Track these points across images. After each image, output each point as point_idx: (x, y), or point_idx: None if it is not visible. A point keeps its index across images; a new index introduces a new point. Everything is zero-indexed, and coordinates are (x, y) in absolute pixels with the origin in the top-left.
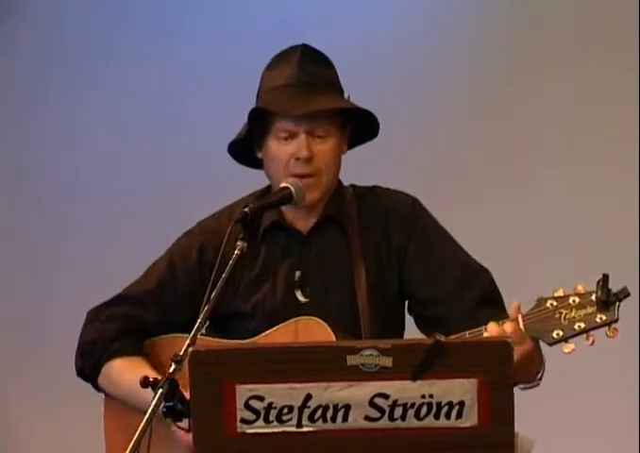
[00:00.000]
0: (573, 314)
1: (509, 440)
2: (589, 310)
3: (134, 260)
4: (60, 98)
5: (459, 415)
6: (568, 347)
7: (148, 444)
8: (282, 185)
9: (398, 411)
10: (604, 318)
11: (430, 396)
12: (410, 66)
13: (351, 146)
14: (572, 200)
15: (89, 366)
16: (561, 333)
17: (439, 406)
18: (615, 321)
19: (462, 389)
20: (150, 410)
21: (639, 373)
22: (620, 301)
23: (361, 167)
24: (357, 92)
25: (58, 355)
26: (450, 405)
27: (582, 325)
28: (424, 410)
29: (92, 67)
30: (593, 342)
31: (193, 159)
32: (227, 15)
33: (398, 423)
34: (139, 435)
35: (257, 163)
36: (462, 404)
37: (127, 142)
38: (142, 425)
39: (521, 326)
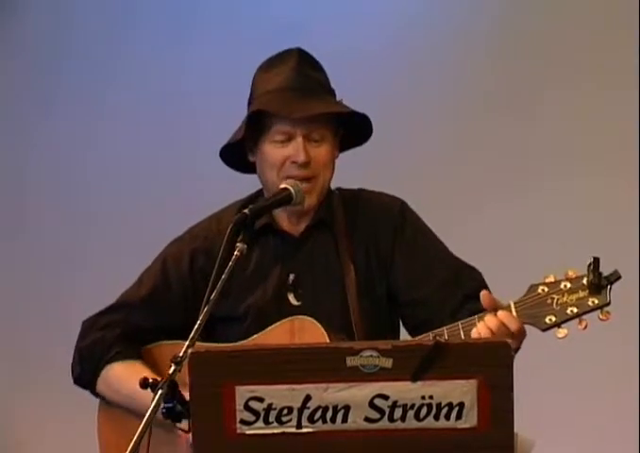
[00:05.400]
0: (565, 299)
1: (508, 441)
2: (581, 294)
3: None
4: (68, 98)
5: (458, 416)
6: (561, 332)
7: (148, 445)
8: (282, 186)
9: (398, 412)
10: (596, 302)
11: (430, 397)
12: (409, 72)
13: (340, 151)
14: (572, 208)
15: (87, 371)
16: (553, 318)
17: (439, 407)
18: (607, 304)
19: (461, 390)
20: (150, 410)
21: (639, 374)
22: (612, 284)
23: (360, 176)
24: (356, 98)
25: (64, 362)
26: (450, 406)
27: (575, 309)
28: (424, 411)
29: (97, 68)
30: (586, 326)
31: (205, 160)
32: (236, 14)
33: (398, 424)
34: (138, 436)
35: (245, 167)
36: (461, 405)
37: (133, 142)
38: (141, 426)
39: (514, 313)
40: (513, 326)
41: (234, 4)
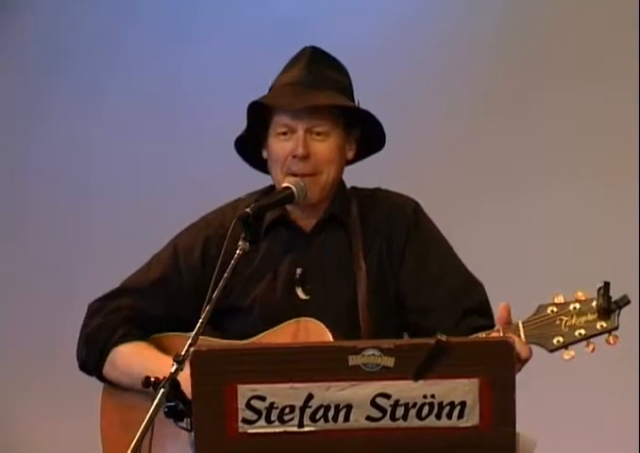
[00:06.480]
0: (573, 321)
1: (510, 440)
2: (590, 317)
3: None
4: (68, 98)
5: (460, 415)
6: (568, 354)
7: (150, 443)
8: (284, 185)
9: (400, 411)
10: (605, 325)
11: (432, 396)
12: (410, 72)
13: (366, 155)
14: (572, 212)
15: (94, 354)
16: (561, 340)
17: (440, 406)
18: (616, 328)
19: (463, 389)
20: (152, 409)
21: (639, 374)
22: (621, 309)
23: (359, 176)
24: (356, 97)
25: (63, 362)
26: (452, 405)
27: (583, 332)
28: (425, 410)
29: (97, 68)
30: (593, 349)
31: (205, 159)
32: (236, 13)
33: (400, 423)
34: (141, 434)
35: (264, 165)
36: (463, 404)
37: (133, 141)
38: (143, 424)
39: (521, 332)
40: (523, 354)
41: (234, 3)
